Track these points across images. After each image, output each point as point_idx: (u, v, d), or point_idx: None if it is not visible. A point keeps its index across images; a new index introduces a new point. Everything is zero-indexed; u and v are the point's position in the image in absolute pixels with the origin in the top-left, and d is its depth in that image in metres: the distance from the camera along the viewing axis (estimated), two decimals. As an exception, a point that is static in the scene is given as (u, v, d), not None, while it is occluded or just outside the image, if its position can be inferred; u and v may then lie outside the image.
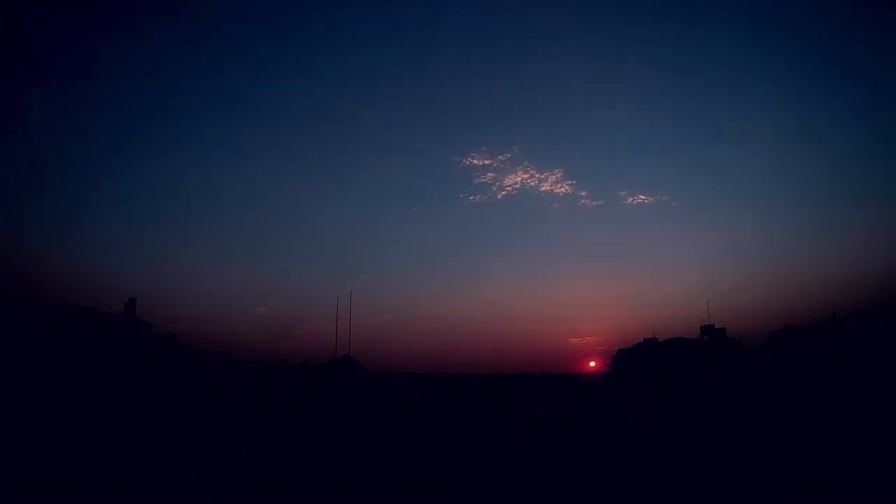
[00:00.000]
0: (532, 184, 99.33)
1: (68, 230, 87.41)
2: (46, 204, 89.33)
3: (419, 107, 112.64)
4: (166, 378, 38.19)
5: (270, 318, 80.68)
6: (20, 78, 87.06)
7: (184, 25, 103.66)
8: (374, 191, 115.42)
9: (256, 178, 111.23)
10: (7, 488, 14.62)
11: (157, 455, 19.58)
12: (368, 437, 25.14)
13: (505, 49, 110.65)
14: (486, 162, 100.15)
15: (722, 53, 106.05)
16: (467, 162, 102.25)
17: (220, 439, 23.49)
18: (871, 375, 33.09)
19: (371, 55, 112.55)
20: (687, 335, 50.01)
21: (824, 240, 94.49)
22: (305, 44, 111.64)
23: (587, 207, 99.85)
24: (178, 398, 33.66)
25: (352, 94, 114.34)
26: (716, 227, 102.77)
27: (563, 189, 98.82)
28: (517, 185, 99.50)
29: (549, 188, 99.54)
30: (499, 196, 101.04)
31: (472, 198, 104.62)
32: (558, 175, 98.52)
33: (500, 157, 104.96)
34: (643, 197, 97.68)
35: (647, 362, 49.27)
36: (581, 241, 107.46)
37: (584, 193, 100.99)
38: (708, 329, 48.63)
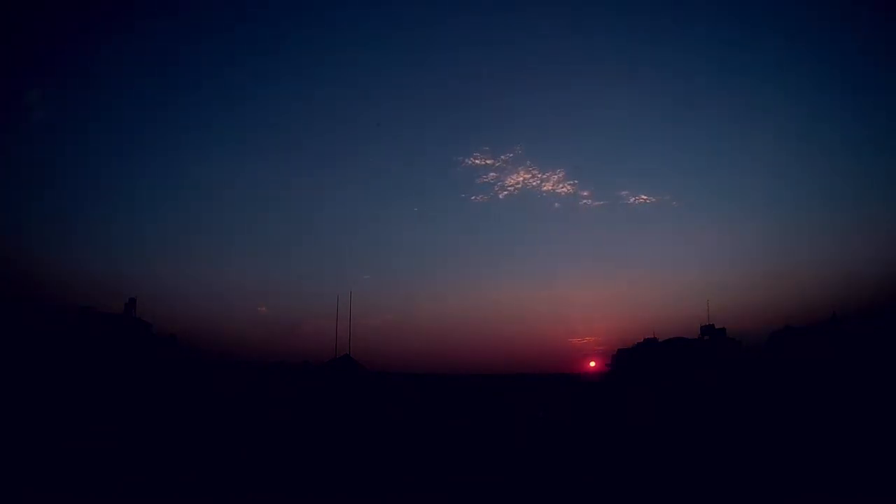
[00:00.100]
0: (534, 184, 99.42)
1: (68, 230, 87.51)
2: (46, 204, 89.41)
3: (421, 106, 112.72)
4: (166, 378, 38.20)
5: (271, 318, 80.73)
6: (20, 78, 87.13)
7: (182, 25, 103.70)
8: (375, 190, 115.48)
9: (257, 177, 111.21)
10: (7, 488, 14.61)
11: (157, 455, 19.57)
12: (368, 437, 25.13)
13: (507, 49, 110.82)
14: (489, 162, 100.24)
15: (723, 54, 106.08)
16: (469, 162, 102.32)
17: (220, 439, 23.48)
18: (871, 375, 33.09)
19: (373, 55, 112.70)
20: (687, 335, 50.07)
21: (824, 240, 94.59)
22: (306, 43, 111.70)
23: (589, 207, 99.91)
24: (178, 398, 33.66)
25: (353, 93, 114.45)
26: (716, 227, 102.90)
27: (564, 189, 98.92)
28: (519, 185, 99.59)
29: (550, 188, 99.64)
30: (500, 196, 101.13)
31: (473, 198, 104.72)
32: (560, 175, 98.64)
33: (502, 156, 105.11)
34: (645, 197, 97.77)
35: (647, 362, 49.27)
36: (582, 241, 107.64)
37: (585, 193, 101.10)
38: (708, 329, 48.65)
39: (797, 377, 36.90)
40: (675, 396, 36.08)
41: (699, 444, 22.55)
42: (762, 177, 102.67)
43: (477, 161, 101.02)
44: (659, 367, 46.81)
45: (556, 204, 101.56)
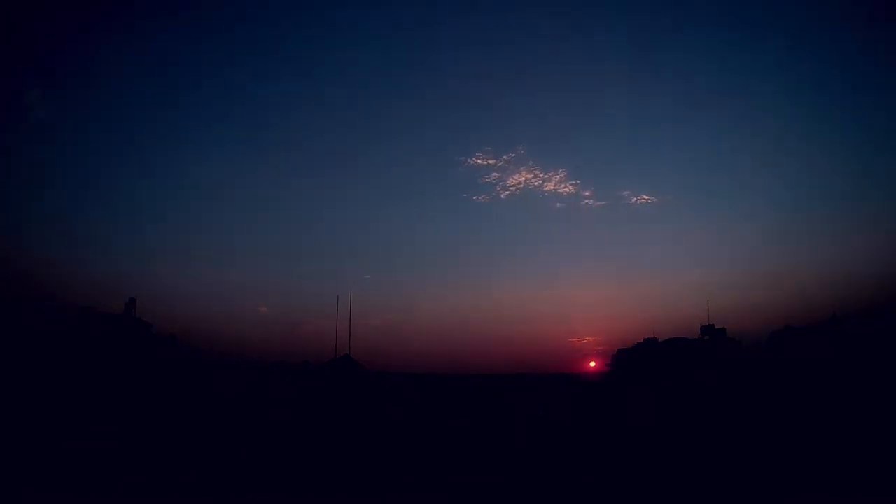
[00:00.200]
0: (536, 184, 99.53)
1: (68, 230, 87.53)
2: (46, 204, 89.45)
3: (423, 107, 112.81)
4: (166, 378, 38.20)
5: (272, 318, 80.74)
6: (20, 77, 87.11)
7: (182, 25, 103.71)
8: (377, 190, 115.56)
9: (258, 177, 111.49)
10: (7, 488, 14.61)
11: (157, 455, 19.57)
12: (368, 437, 25.13)
13: (509, 49, 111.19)
14: (491, 161, 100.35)
15: (724, 54, 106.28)
16: (472, 161, 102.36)
17: (220, 439, 23.48)
18: (871, 375, 33.09)
19: (375, 55, 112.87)
20: (687, 335, 50.11)
21: (824, 240, 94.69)
22: (306, 43, 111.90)
23: (590, 207, 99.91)
24: (178, 398, 33.66)
25: (354, 93, 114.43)
26: (716, 227, 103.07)
27: (566, 189, 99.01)
28: (521, 185, 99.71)
29: (552, 188, 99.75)
30: (502, 196, 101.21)
31: (475, 197, 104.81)
32: (562, 175, 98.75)
33: (504, 157, 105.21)
34: (646, 197, 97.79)
35: (647, 362, 49.30)
36: (584, 241, 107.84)
37: (587, 193, 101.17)
38: (708, 329, 48.68)
39: (797, 377, 36.90)
40: (675, 396, 36.09)
41: (699, 444, 22.55)
42: (762, 177, 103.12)
43: (479, 161, 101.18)
44: (659, 367, 46.83)
45: (558, 204, 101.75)
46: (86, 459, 18.10)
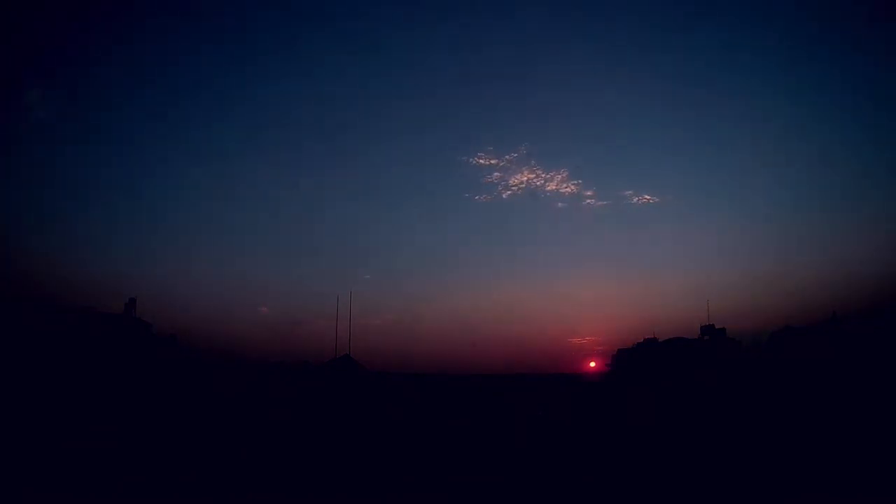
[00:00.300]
0: (538, 183, 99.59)
1: (68, 230, 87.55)
2: (46, 204, 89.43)
3: (426, 107, 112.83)
4: (166, 378, 38.22)
5: (273, 318, 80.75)
6: (20, 77, 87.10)
7: (184, 25, 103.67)
8: (378, 190, 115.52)
9: (259, 177, 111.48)
10: (7, 488, 14.62)
11: (157, 455, 19.57)
12: (368, 437, 25.14)
13: (512, 50, 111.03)
14: (493, 161, 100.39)
15: (726, 55, 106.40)
16: (474, 161, 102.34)
17: (220, 439, 23.48)
18: (871, 375, 33.10)
19: (377, 55, 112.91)
20: (687, 335, 50.17)
21: (824, 240, 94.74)
22: (308, 44, 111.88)
23: (592, 207, 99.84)
24: (178, 398, 33.67)
25: (357, 94, 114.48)
26: (716, 227, 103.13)
27: (568, 189, 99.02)
28: (523, 185, 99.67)
29: (554, 188, 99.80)
30: (504, 196, 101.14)
31: (477, 197, 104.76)
32: (564, 175, 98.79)
33: (506, 156, 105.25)
34: (648, 197, 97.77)
35: (647, 362, 49.36)
36: (585, 240, 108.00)
37: (589, 193, 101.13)
38: (708, 329, 48.72)
39: (797, 377, 36.91)
40: (675, 396, 36.10)
41: (699, 444, 22.55)
42: (763, 177, 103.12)
43: (481, 161, 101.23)
44: (659, 367, 46.87)
45: (560, 204, 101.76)
46: (86, 459, 18.10)
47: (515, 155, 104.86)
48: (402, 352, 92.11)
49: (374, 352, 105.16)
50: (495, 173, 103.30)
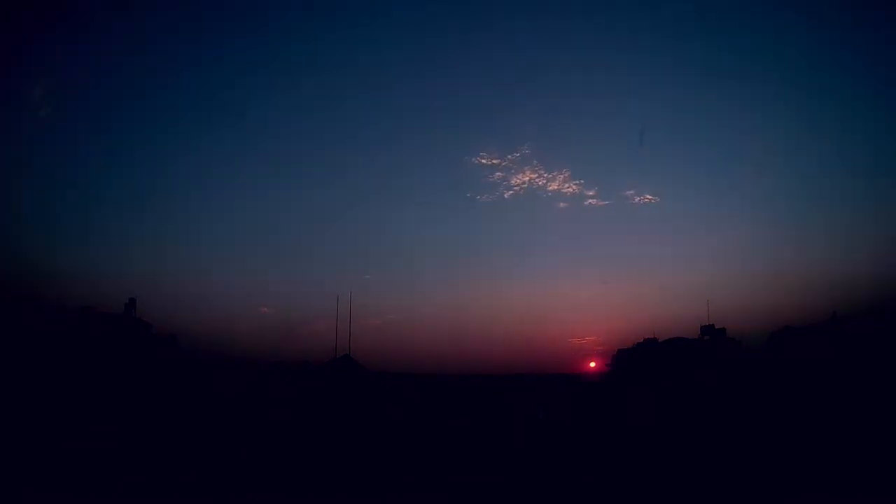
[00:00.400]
0: (540, 183, 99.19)
1: (69, 230, 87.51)
2: (46, 204, 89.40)
3: (428, 107, 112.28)
4: (166, 378, 38.22)
5: (274, 318, 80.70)
6: (21, 76, 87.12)
7: (185, 25, 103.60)
8: (379, 190, 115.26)
9: (260, 177, 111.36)
10: (7, 488, 14.62)
11: (157, 455, 19.58)
12: (368, 437, 25.14)
13: (515, 50, 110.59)
14: (495, 161, 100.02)
15: (728, 54, 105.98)
16: (476, 161, 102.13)
17: (220, 439, 23.49)
18: (871, 375, 33.10)
19: (379, 55, 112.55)
20: (687, 335, 50.12)
21: (824, 240, 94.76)
22: (310, 42, 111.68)
23: (594, 207, 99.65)
24: (178, 398, 33.68)
25: (359, 94, 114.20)
26: (716, 226, 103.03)
27: (570, 189, 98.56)
28: (525, 185, 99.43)
29: (556, 188, 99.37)
30: (506, 196, 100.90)
31: (479, 197, 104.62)
32: (566, 174, 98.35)
33: (509, 156, 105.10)
34: (650, 197, 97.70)
35: (647, 362, 49.33)
36: (586, 240, 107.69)
37: (591, 193, 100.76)
38: (708, 329, 48.68)
39: (797, 377, 36.91)
40: (675, 396, 36.10)
41: (699, 444, 22.56)
42: (763, 177, 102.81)
43: (483, 161, 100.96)
44: (659, 367, 46.86)
45: (561, 204, 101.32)
46: (86, 459, 18.10)
47: (518, 155, 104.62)
48: (402, 352, 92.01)
49: (374, 352, 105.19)
50: (497, 173, 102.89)
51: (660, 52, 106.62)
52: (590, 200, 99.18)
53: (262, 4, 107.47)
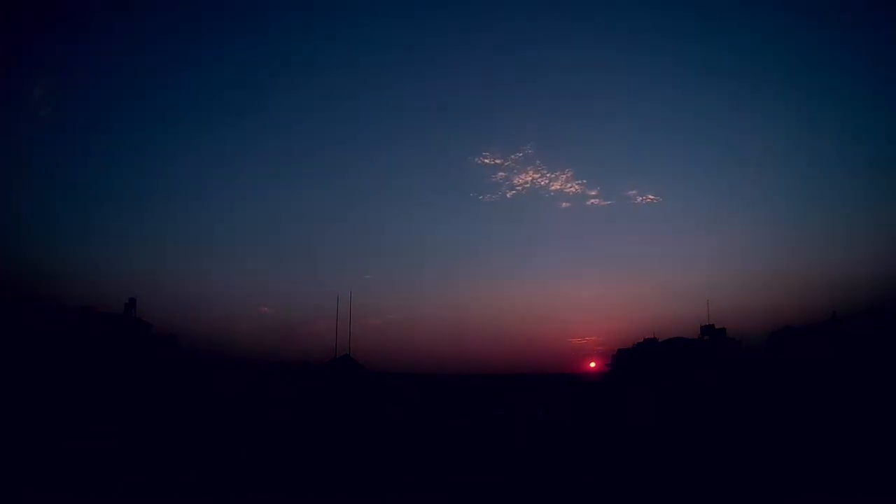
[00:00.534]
0: (542, 183, 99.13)
1: (69, 230, 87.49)
2: (47, 204, 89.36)
3: (431, 107, 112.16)
4: (166, 378, 38.21)
5: (274, 318, 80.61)
6: (21, 76, 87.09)
7: (185, 26, 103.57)
8: (379, 190, 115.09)
9: (261, 177, 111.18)
10: (7, 488, 14.62)
11: (157, 455, 19.58)
12: (368, 437, 25.14)
13: (518, 50, 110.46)
14: (498, 161, 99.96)
15: (729, 54, 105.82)
16: (479, 161, 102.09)
17: (220, 439, 23.49)
18: (871, 375, 33.10)
19: (382, 54, 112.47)
20: (687, 335, 50.06)
21: (824, 240, 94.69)
22: (312, 42, 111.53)
23: (596, 207, 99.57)
24: (178, 398, 33.67)
25: (361, 94, 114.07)
26: (717, 226, 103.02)
27: (572, 188, 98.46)
28: (527, 185, 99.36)
29: (559, 188, 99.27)
30: (508, 195, 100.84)
31: (481, 197, 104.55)
32: (568, 174, 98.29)
33: (511, 156, 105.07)
34: (652, 197, 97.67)
35: (647, 362, 49.29)
36: (588, 240, 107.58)
37: (593, 193, 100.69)
38: (708, 329, 48.64)
39: (797, 377, 36.90)
40: (675, 396, 36.09)
41: (699, 444, 22.56)
42: (764, 177, 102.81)
43: (486, 161, 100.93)
44: (659, 367, 46.83)
45: (564, 204, 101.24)
46: (86, 459, 18.11)
47: (520, 155, 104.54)
48: (402, 352, 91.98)
49: (375, 352, 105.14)
50: (500, 173, 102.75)
51: (661, 52, 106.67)
52: (592, 200, 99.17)
53: (262, 4, 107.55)
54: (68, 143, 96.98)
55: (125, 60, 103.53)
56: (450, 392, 46.83)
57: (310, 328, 75.70)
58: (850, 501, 14.25)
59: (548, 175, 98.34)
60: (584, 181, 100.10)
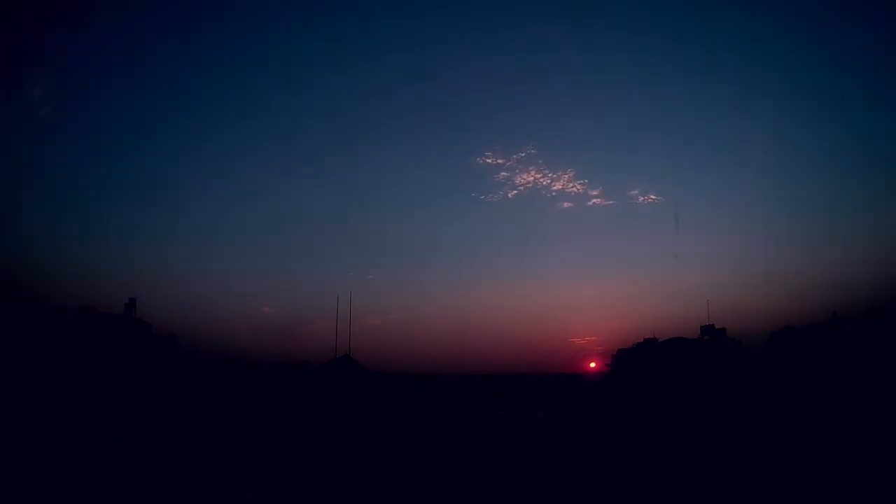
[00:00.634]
0: (544, 183, 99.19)
1: (68, 230, 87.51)
2: (47, 203, 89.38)
3: (433, 107, 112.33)
4: (166, 378, 38.20)
5: (274, 318, 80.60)
6: (21, 76, 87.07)
7: (185, 26, 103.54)
8: (384, 189, 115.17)
9: (262, 176, 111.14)
10: (7, 488, 14.62)
11: (157, 455, 19.58)
12: (368, 437, 25.15)
13: (521, 50, 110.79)
14: (500, 161, 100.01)
15: (731, 55, 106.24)
16: (481, 161, 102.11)
17: (220, 439, 23.50)
18: (871, 375, 33.09)
19: (384, 54, 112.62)
20: (687, 335, 50.08)
21: (824, 240, 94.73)
22: (313, 42, 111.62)
23: (597, 207, 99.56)
24: (178, 398, 33.67)
25: (363, 94, 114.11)
26: (717, 226, 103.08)
27: (574, 189, 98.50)
28: (529, 185, 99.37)
29: (560, 188, 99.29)
30: (509, 195, 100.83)
31: (483, 197, 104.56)
32: (570, 175, 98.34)
33: (514, 156, 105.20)
34: (654, 196, 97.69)
35: (647, 362, 49.30)
36: (589, 240, 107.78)
37: (595, 193, 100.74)
38: (708, 329, 48.64)
39: (797, 377, 36.90)
40: (675, 396, 36.09)
41: (699, 444, 22.56)
42: (764, 177, 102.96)
43: (488, 160, 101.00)
44: (659, 367, 46.82)
45: (566, 203, 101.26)
46: (86, 459, 18.11)
47: (523, 154, 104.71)
48: (402, 352, 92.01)
49: (375, 352, 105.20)
50: (502, 173, 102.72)
51: (662, 52, 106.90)
52: (594, 200, 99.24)
53: (263, 4, 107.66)
54: (68, 143, 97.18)
55: (125, 60, 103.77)
56: (450, 392, 46.84)
57: (310, 328, 75.77)
58: (850, 501, 14.25)
59: (550, 175, 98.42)
60: (586, 181, 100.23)
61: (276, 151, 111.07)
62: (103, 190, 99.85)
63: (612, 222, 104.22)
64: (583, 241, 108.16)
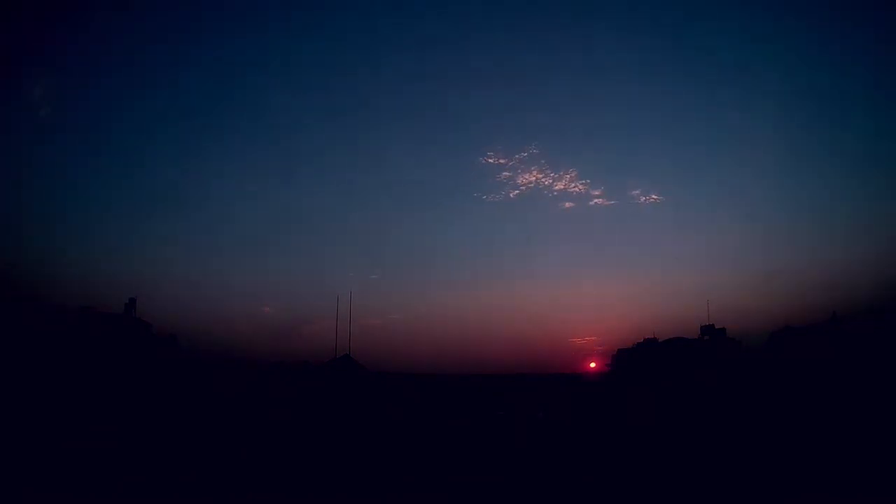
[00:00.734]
0: (546, 183, 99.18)
1: (69, 230, 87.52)
2: (47, 203, 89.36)
3: (435, 106, 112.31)
4: (166, 378, 38.21)
5: (274, 318, 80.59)
6: (21, 76, 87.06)
7: (185, 27, 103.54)
8: (385, 189, 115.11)
9: (263, 177, 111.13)
10: (7, 488, 14.62)
11: (157, 455, 19.58)
12: (368, 437, 25.14)
13: (523, 51, 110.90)
14: (502, 161, 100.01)
15: (731, 55, 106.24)
16: (483, 161, 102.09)
17: (220, 439, 23.49)
18: (871, 375, 33.10)
19: (387, 54, 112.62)
20: (687, 335, 50.10)
21: (824, 240, 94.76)
22: (314, 42, 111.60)
23: (599, 207, 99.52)
24: (178, 398, 33.67)
25: (364, 94, 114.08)
26: (717, 227, 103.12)
27: (576, 188, 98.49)
28: (531, 185, 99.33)
29: (562, 187, 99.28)
30: (512, 195, 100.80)
31: (485, 197, 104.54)
32: (572, 174, 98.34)
33: (516, 156, 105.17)
34: (655, 196, 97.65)
35: (647, 362, 49.32)
36: (591, 240, 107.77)
37: (597, 192, 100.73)
38: (708, 329, 48.68)
39: (797, 377, 36.91)
40: (675, 396, 36.09)
41: (699, 444, 22.56)
42: (764, 177, 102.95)
43: (490, 160, 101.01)
44: (659, 367, 46.84)
45: (567, 203, 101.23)
46: (86, 459, 18.11)
47: (525, 155, 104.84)
48: (402, 352, 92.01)
49: (376, 352, 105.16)
50: (504, 173, 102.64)
51: (663, 52, 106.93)
52: (596, 200, 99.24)
53: (263, 4, 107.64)
54: (68, 143, 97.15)
55: (125, 60, 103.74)
56: (450, 392, 46.83)
57: (310, 328, 75.76)
58: (850, 501, 14.25)
59: (552, 175, 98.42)
60: (588, 181, 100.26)
61: (277, 151, 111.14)
62: (103, 190, 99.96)
63: (613, 222, 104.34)
64: (584, 241, 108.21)
